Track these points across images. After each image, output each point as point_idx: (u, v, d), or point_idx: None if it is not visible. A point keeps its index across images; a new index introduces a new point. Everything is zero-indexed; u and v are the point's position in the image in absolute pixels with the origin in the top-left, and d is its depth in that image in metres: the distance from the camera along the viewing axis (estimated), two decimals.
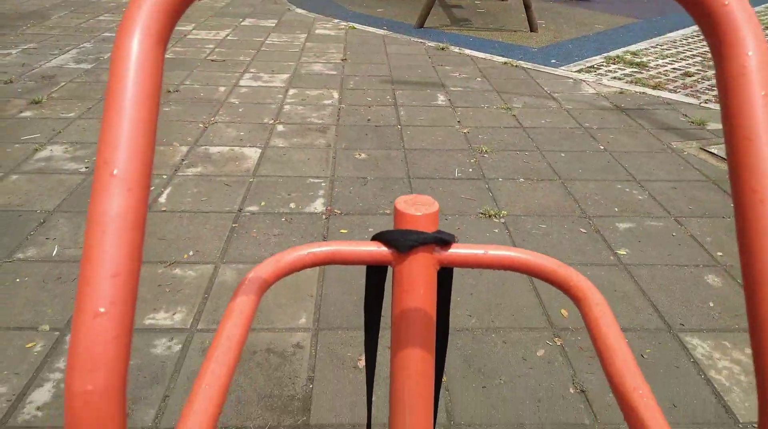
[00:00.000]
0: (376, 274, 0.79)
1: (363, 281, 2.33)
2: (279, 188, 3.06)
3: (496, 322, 2.14)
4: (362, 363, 1.93)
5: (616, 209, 2.94)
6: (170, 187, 3.02)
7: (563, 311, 2.19)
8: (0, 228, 2.58)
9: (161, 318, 2.08)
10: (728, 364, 1.94)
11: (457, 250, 0.73)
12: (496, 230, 2.73)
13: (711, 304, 2.24)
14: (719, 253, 2.57)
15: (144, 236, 0.34)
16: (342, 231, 2.68)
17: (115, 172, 0.34)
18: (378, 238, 0.72)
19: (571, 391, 1.83)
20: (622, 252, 2.58)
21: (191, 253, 2.47)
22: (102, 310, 0.33)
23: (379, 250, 0.72)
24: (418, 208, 0.72)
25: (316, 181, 3.16)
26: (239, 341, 0.62)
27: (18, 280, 2.24)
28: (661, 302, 2.25)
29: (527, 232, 2.72)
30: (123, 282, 0.33)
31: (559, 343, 2.03)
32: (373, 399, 1.78)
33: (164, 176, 3.13)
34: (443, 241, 0.70)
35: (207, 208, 2.83)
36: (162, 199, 2.90)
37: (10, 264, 2.34)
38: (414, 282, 0.72)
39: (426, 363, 0.76)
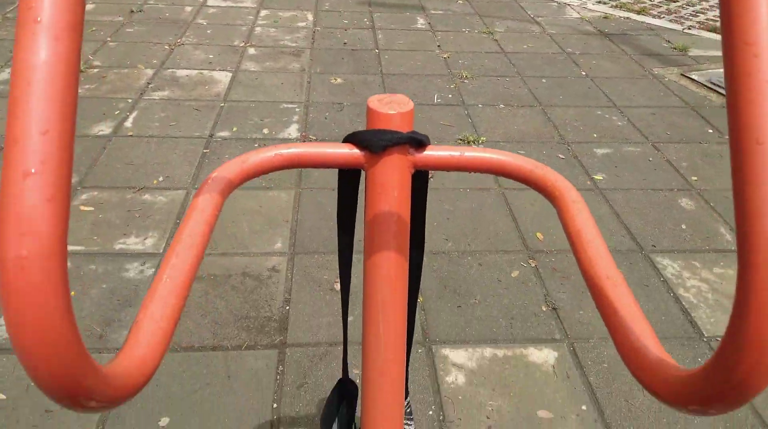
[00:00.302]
0: (348, 179, 0.75)
1: None
2: (251, 113, 2.95)
3: (472, 245, 2.14)
4: (339, 285, 1.93)
5: (595, 135, 2.92)
6: (136, 111, 2.89)
7: (539, 235, 2.20)
8: None
9: (132, 243, 2.04)
10: (697, 283, 1.99)
11: (432, 152, 0.69)
12: None
13: (683, 227, 2.27)
14: (694, 178, 2.59)
15: (77, 92, 0.30)
16: None
17: (39, 18, 0.29)
18: (350, 139, 0.67)
19: (543, 309, 1.86)
20: (598, 177, 2.58)
21: (161, 178, 2.40)
22: (33, 170, 0.29)
23: (351, 152, 0.68)
24: (392, 107, 0.68)
25: (290, 106, 3.06)
26: (202, 240, 0.58)
27: None
28: (634, 225, 2.28)
29: None
30: (54, 139, 0.30)
31: (533, 265, 2.05)
32: (350, 319, 1.79)
33: (129, 100, 2.99)
34: (418, 141, 0.66)
35: (176, 133, 2.73)
36: (128, 123, 2.78)
37: None
38: (387, 185, 0.68)
39: (400, 268, 0.73)
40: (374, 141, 0.65)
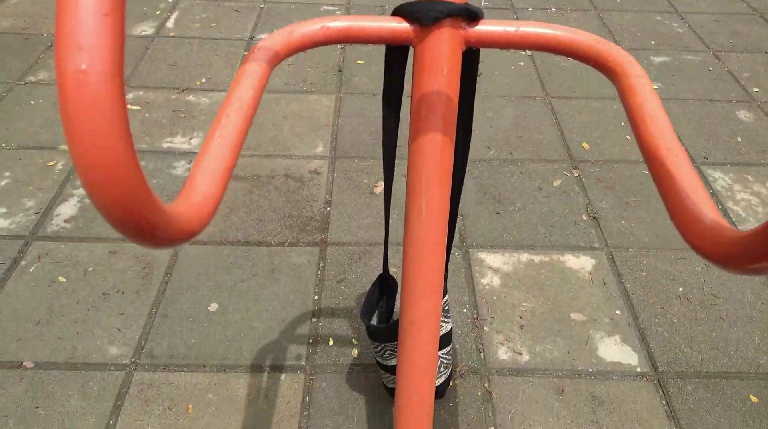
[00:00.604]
0: (396, 56, 0.73)
1: (379, 113, 2.27)
2: (291, 15, 2.88)
3: (514, 154, 2.11)
4: (378, 189, 1.95)
5: (653, 42, 2.75)
6: (177, 11, 2.86)
7: (585, 144, 2.14)
8: (7, 51, 2.50)
9: (178, 142, 2.08)
10: (747, 196, 1.92)
11: (485, 27, 0.66)
12: (522, 63, 2.59)
13: (739, 139, 2.17)
14: (755, 89, 2.44)
15: None
16: (358, 62, 2.57)
17: None
18: (399, 11, 0.65)
19: (584, 217, 1.85)
20: (654, 86, 2.45)
21: (203, 80, 2.40)
22: None
23: (400, 25, 0.66)
24: None
25: (331, 8, 2.96)
26: (251, 104, 0.59)
27: (32, 102, 2.22)
28: (687, 136, 2.18)
29: (555, 65, 2.58)
30: None
31: (576, 175, 2.01)
32: (390, 222, 1.82)
33: (169, 0, 2.95)
34: (472, 13, 0.63)
35: (217, 35, 2.70)
36: (169, 24, 2.76)
37: (23, 86, 2.30)
38: (437, 62, 0.66)
39: (445, 150, 0.72)
40: (425, 12, 0.62)
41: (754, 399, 1.36)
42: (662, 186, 0.51)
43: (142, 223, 0.36)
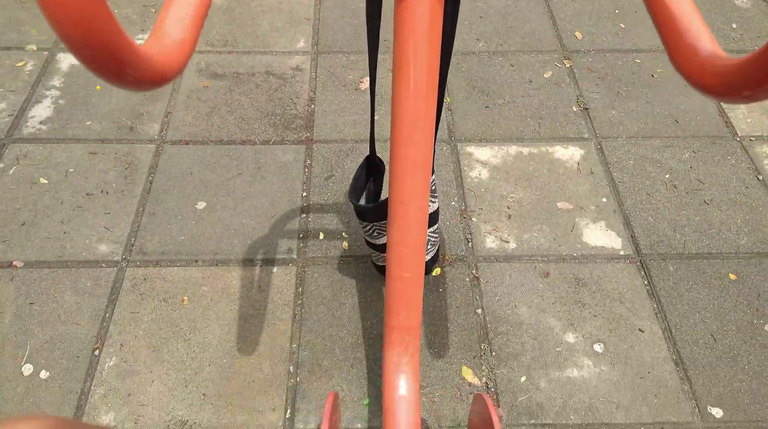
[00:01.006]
0: None
1: (363, 4, 2.15)
2: None
3: (504, 45, 2.03)
4: (363, 85, 1.89)
5: None
6: None
7: (577, 34, 2.06)
8: None
9: None
10: None
11: None
12: None
13: (734, 26, 2.10)
14: None
15: None
16: None
17: None
18: None
19: (574, 109, 1.82)
20: None
21: None
22: None
23: None
24: None
25: None
26: None
27: None
28: None
29: None
30: None
31: (568, 65, 1.96)
32: (377, 118, 1.78)
33: None
34: None
35: None
36: None
37: None
38: None
39: (435, 12, 0.68)
40: None
41: (732, 277, 1.41)
42: (659, 20, 0.49)
43: (104, 50, 0.34)
